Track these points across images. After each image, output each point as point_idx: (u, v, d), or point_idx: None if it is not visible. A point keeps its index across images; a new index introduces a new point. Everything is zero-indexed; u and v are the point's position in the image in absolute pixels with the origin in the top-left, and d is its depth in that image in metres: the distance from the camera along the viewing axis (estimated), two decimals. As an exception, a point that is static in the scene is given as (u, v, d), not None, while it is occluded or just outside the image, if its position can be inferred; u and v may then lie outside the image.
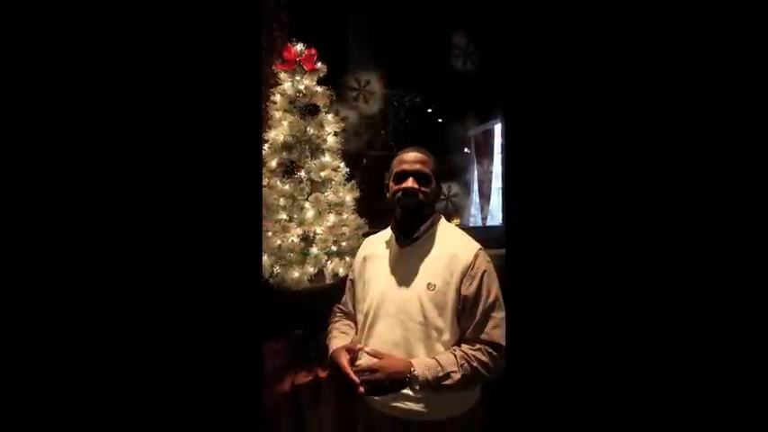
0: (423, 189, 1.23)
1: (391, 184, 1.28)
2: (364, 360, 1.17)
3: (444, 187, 1.57)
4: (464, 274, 1.18)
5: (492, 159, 4.60)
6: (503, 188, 4.04)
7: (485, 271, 1.20)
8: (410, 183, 1.21)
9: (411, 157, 1.26)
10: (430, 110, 4.12)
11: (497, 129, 4.48)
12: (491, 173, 4.57)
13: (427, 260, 1.23)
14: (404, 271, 1.24)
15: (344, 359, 1.16)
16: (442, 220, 1.34)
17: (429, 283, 1.18)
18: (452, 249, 1.23)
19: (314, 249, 2.04)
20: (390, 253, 1.31)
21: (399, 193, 1.23)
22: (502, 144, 4.42)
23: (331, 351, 1.25)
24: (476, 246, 1.25)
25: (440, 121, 4.20)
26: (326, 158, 2.17)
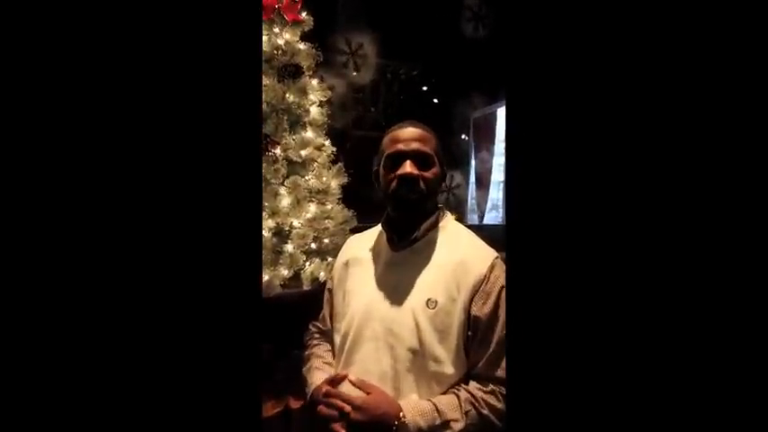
0: (424, 175, 1.09)
1: (382, 170, 1.14)
2: (347, 388, 1.06)
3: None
4: (476, 290, 1.06)
5: (493, 148, 4.47)
6: (505, 181, 4.02)
7: (503, 286, 1.07)
8: (408, 168, 1.07)
9: (407, 134, 1.11)
10: (425, 87, 3.90)
11: (501, 112, 4.33)
12: (491, 163, 4.45)
13: (427, 269, 1.11)
14: (396, 282, 1.12)
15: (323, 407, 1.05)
16: (448, 217, 1.21)
17: (428, 299, 1.06)
18: (461, 256, 1.10)
19: (289, 246, 1.89)
20: (380, 257, 1.18)
21: (394, 183, 1.09)
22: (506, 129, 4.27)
23: (312, 387, 1.13)
24: (492, 253, 1.13)
25: (435, 101, 3.97)
26: (308, 134, 2.03)
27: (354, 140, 3.35)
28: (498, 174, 4.43)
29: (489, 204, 4.51)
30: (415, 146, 1.09)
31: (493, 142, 4.50)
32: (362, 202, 2.18)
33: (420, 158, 1.09)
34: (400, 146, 1.10)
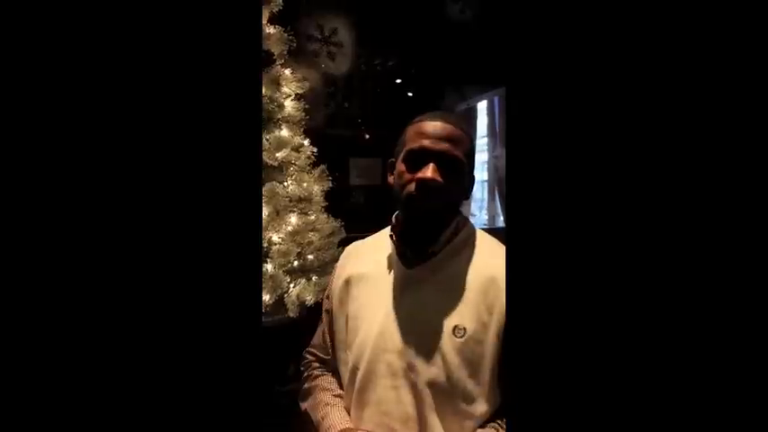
0: (449, 183, 1.01)
1: (399, 165, 1.05)
2: None
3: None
4: None
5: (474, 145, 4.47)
6: (507, 181, 3.92)
7: None
8: (430, 172, 0.98)
9: (437, 130, 1.02)
10: (399, 80, 3.79)
11: (481, 106, 4.33)
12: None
13: (451, 290, 1.04)
14: (413, 305, 1.05)
15: None
16: (470, 225, 1.14)
17: (455, 326, 1.00)
18: (490, 272, 1.03)
19: (269, 266, 1.82)
20: (389, 275, 1.10)
21: (412, 186, 1.00)
22: (488, 126, 4.38)
23: (331, 430, 1.06)
24: None
25: (410, 94, 3.84)
26: (284, 133, 1.94)
27: (328, 140, 3.25)
28: (480, 173, 4.41)
29: (474, 205, 4.48)
30: (444, 146, 1.00)
31: (474, 138, 4.49)
32: (342, 212, 2.13)
33: (448, 162, 1.01)
34: (426, 142, 1.00)
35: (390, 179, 1.10)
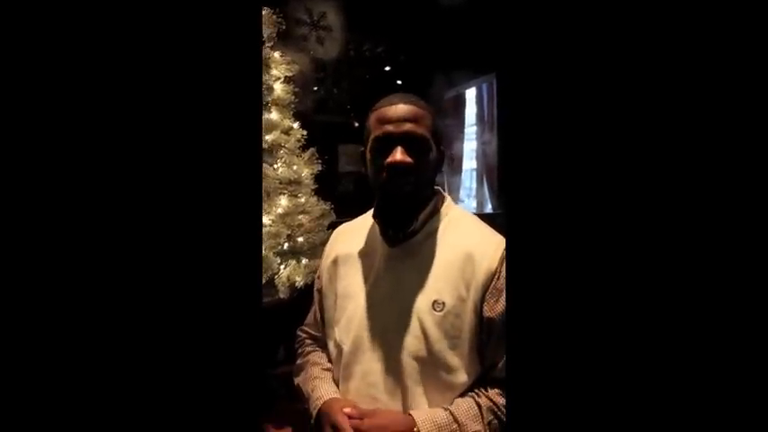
0: (418, 162, 1.03)
1: (368, 154, 1.08)
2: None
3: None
4: (487, 286, 1.03)
5: (463, 133, 4.42)
6: (498, 169, 3.91)
7: None
8: (398, 155, 1.01)
9: (398, 113, 1.04)
10: (388, 68, 3.77)
11: (470, 94, 4.33)
12: (462, 149, 4.43)
13: (431, 266, 1.08)
14: (395, 282, 1.09)
15: (343, 418, 1.02)
16: (448, 203, 1.17)
17: (435, 301, 1.04)
18: (467, 248, 1.06)
19: None
20: (373, 254, 1.15)
21: (383, 172, 1.03)
22: (477, 114, 4.37)
23: (319, 401, 1.09)
24: (501, 241, 1.08)
25: (399, 82, 3.81)
26: (274, 115, 1.93)
27: (317, 126, 3.21)
28: (469, 161, 4.41)
29: (462, 192, 4.48)
30: (407, 127, 1.01)
31: (462, 127, 4.46)
32: (333, 195, 2.11)
33: (413, 142, 1.02)
34: (389, 127, 1.02)
35: (365, 169, 1.12)
